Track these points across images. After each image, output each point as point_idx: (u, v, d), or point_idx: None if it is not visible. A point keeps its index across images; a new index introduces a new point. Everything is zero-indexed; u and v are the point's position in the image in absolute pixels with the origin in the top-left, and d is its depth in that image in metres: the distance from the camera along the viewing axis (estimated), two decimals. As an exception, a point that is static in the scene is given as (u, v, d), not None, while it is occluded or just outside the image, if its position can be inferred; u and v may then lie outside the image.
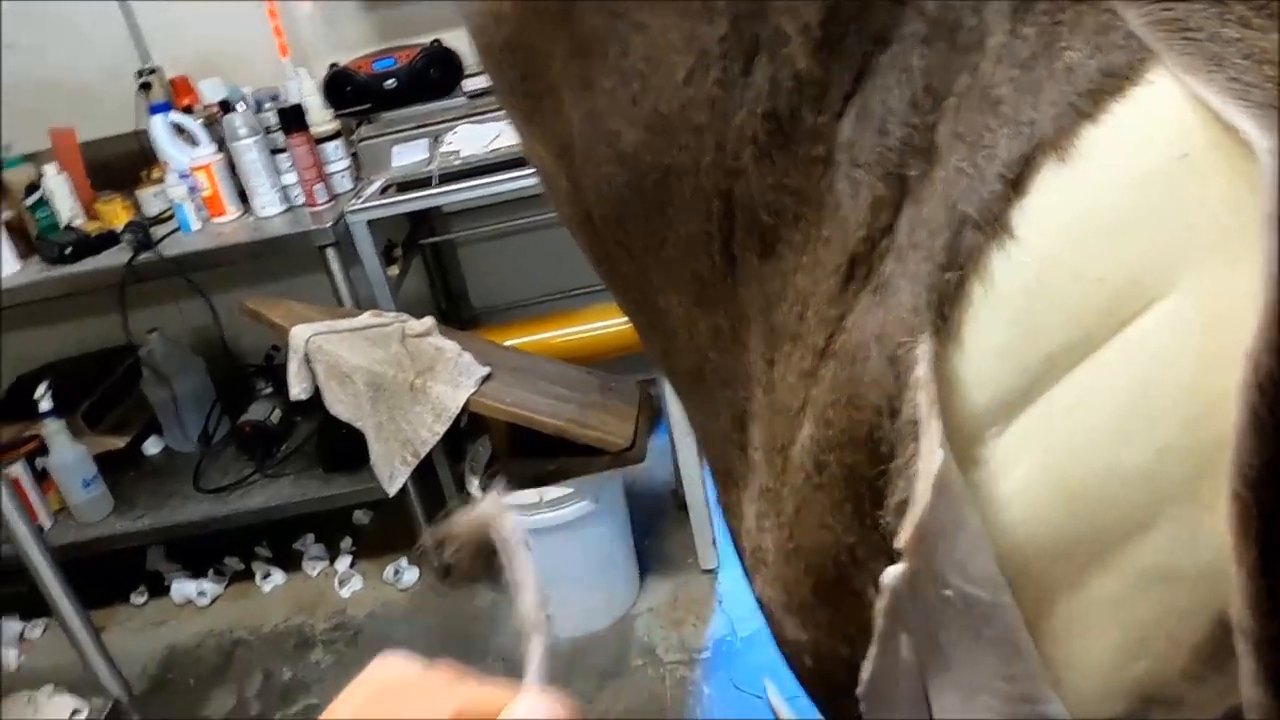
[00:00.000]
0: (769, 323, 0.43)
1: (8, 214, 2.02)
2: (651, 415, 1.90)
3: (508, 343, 2.03)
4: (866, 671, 0.39)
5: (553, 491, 1.77)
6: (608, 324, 2.08)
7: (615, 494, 1.90)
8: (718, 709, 1.70)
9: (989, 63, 0.38)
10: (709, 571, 2.00)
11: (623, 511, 1.94)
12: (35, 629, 2.29)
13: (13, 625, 2.30)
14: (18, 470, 2.06)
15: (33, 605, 2.23)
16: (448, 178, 1.94)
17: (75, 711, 1.63)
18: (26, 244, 2.04)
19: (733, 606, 1.91)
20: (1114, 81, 0.34)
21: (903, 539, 0.35)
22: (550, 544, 1.83)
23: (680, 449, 1.89)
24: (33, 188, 2.08)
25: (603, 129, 0.45)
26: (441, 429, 1.70)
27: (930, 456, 0.34)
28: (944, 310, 0.36)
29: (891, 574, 0.36)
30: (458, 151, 2.03)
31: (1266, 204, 0.29)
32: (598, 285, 2.50)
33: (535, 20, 0.46)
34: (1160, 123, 0.33)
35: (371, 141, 2.14)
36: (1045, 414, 0.35)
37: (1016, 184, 0.35)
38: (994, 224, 0.35)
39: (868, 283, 0.39)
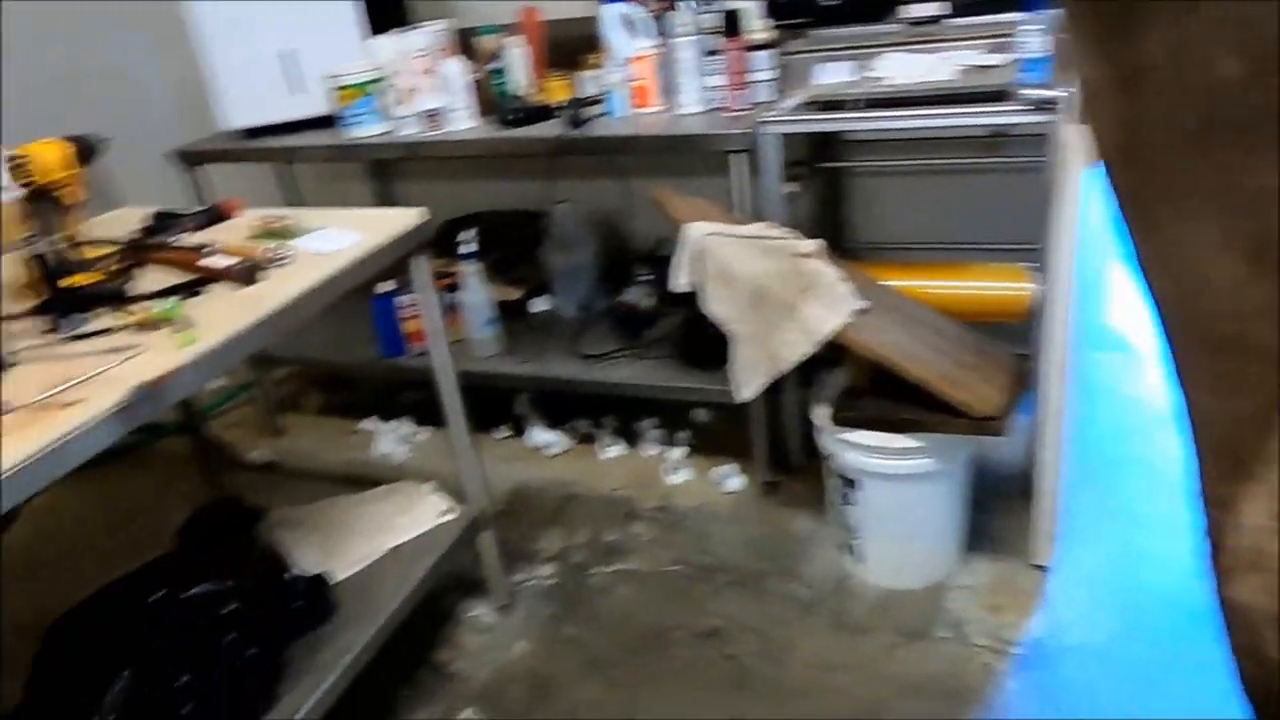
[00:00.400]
0: None
1: (477, 75, 2.30)
2: (1022, 391, 1.78)
3: (887, 281, 1.99)
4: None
5: (903, 440, 1.74)
6: (987, 285, 1.97)
7: (963, 460, 1.82)
8: (1019, 710, 1.61)
9: None
10: (1039, 567, 1.88)
11: (965, 480, 1.87)
12: (423, 434, 2.68)
13: (407, 426, 2.71)
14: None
15: (426, 414, 2.61)
16: (868, 104, 1.90)
17: (447, 510, 1.89)
18: (485, 105, 2.31)
19: (1063, 609, 1.78)
20: None
21: None
22: (884, 490, 1.81)
23: (1044, 433, 1.77)
24: (495, 56, 2.33)
25: (1195, 58, 0.41)
26: (808, 350, 1.71)
27: None
28: None
29: None
30: (883, 79, 1.98)
31: None
32: (984, 242, 2.36)
33: None
34: None
35: (797, 56, 2.15)
36: None
37: None
38: None
39: None
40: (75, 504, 2.21)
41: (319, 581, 1.67)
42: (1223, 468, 0.45)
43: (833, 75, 2.07)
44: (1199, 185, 0.42)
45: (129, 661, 1.38)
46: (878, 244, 2.48)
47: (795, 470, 2.26)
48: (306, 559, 1.77)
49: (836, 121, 1.90)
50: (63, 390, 1.12)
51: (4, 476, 0.99)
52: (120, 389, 1.12)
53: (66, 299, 1.37)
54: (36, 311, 1.38)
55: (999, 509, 2.03)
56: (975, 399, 1.67)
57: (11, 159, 1.32)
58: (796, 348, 1.73)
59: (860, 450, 1.80)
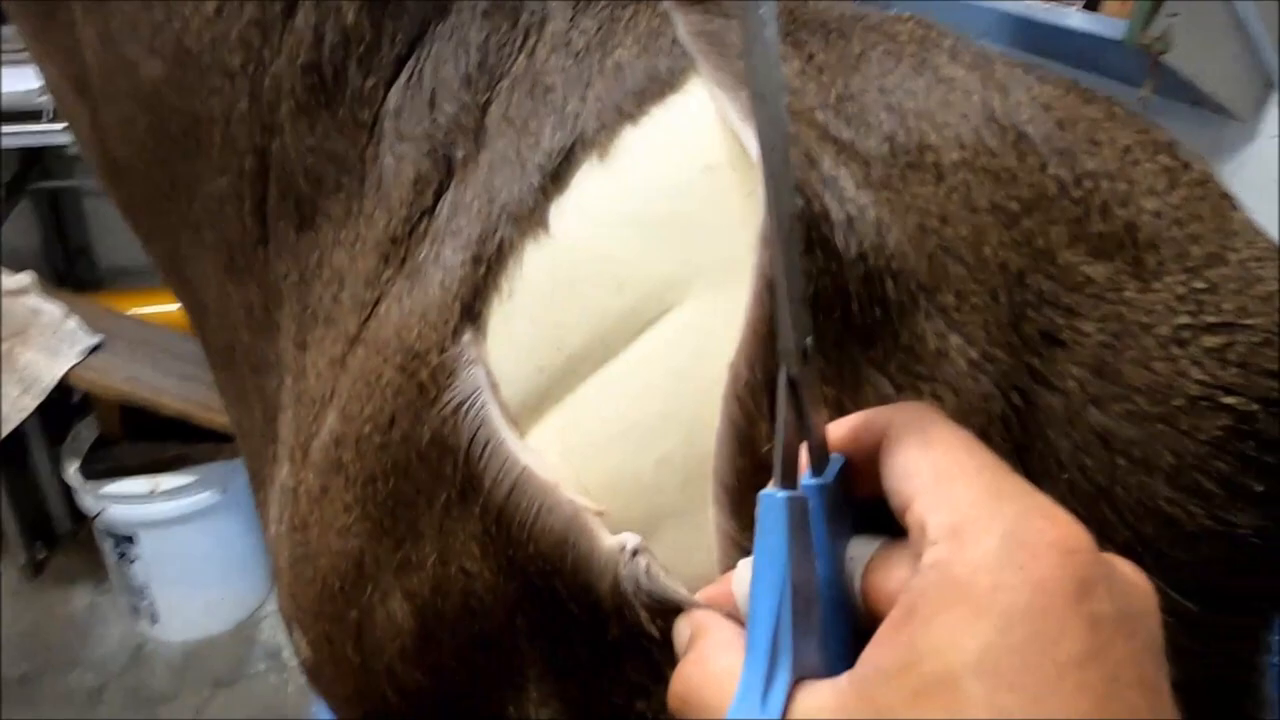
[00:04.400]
0: (303, 302, 0.39)
1: None
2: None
3: (135, 311, 1.81)
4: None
5: (169, 480, 1.59)
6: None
7: (244, 483, 1.74)
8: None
9: (545, 49, 0.36)
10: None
11: (251, 502, 1.79)
12: None
13: None
14: None
15: None
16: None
17: None
18: None
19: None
20: (656, 86, 0.34)
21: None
22: (165, 538, 1.65)
23: (325, 439, 1.78)
24: None
25: (120, 58, 0.39)
26: (31, 404, 1.47)
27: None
28: (474, 304, 0.34)
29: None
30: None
31: (763, 226, 0.30)
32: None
33: None
34: (692, 132, 0.33)
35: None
36: (566, 418, 0.34)
37: (556, 177, 0.34)
38: (530, 217, 0.34)
39: (404, 267, 0.36)
40: None
41: None
42: (254, 477, 0.45)
43: (20, 81, 1.79)
44: (165, 198, 0.41)
45: None
46: (128, 270, 2.24)
47: (65, 541, 1.94)
48: None
49: (27, 135, 1.64)
50: None
51: None
52: None
53: None
54: None
55: (303, 523, 2.00)
56: (241, 421, 1.60)
57: None
58: (17, 403, 1.47)
59: (130, 501, 1.60)
